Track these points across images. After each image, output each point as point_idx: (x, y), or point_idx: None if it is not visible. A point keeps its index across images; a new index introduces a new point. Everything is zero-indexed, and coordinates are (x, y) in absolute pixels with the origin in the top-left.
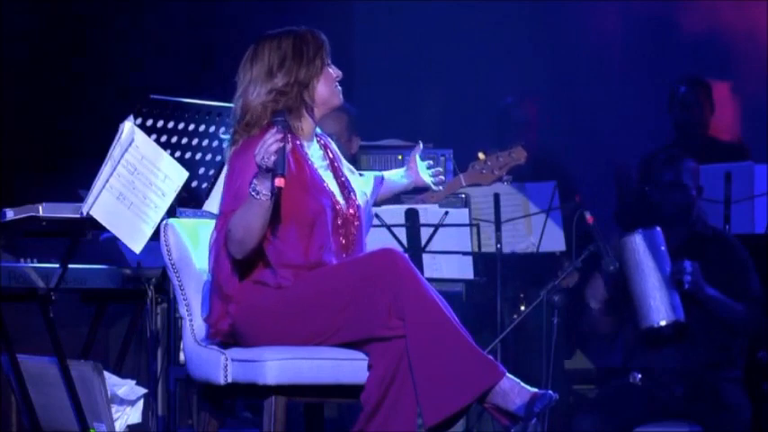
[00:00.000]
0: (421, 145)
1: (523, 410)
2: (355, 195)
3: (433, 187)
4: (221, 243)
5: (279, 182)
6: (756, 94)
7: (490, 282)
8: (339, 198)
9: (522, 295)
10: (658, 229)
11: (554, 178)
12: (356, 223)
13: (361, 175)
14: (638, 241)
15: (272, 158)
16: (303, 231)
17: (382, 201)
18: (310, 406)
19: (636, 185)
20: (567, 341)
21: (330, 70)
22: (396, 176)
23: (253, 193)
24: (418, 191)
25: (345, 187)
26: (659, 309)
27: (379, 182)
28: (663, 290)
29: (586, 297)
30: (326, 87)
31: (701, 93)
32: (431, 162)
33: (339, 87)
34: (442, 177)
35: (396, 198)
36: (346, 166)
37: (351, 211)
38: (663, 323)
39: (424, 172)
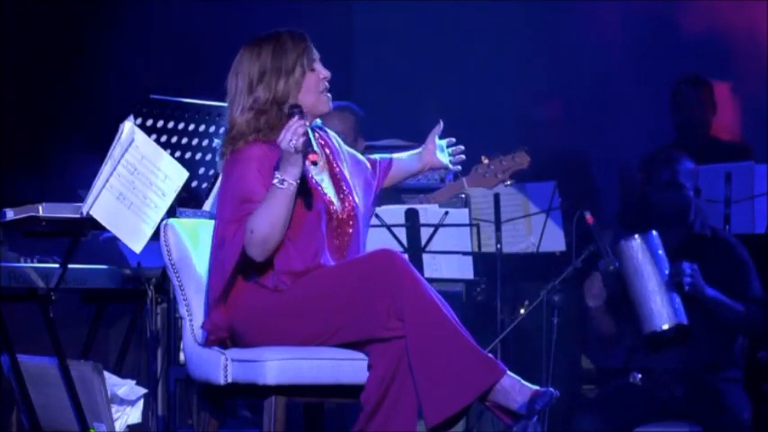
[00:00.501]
0: (441, 124)
1: (525, 408)
2: (352, 195)
3: (450, 167)
4: (236, 247)
5: (313, 157)
6: (756, 94)
7: (490, 282)
8: (334, 199)
9: (517, 295)
10: (654, 232)
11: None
12: (351, 223)
13: (372, 159)
14: (635, 246)
15: (302, 140)
16: (300, 237)
17: (393, 184)
18: (310, 406)
19: (638, 186)
20: (575, 342)
21: (311, 76)
22: (408, 159)
23: (277, 183)
24: (422, 190)
25: (342, 188)
26: (661, 313)
27: (386, 166)
28: (663, 293)
29: (585, 295)
30: (310, 95)
31: (702, 92)
32: (452, 140)
33: (327, 93)
34: (463, 156)
35: (397, 198)
36: (347, 156)
37: (345, 214)
38: (665, 327)
39: (442, 152)
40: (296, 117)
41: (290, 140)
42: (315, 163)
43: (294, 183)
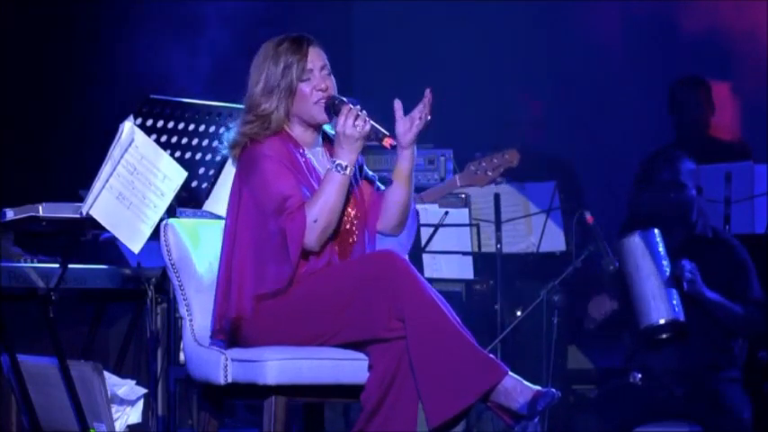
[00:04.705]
0: (428, 93)
1: (526, 409)
2: (357, 205)
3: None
4: (298, 240)
5: (389, 140)
6: (756, 94)
7: (490, 281)
8: None
9: (517, 295)
10: (656, 230)
11: (558, 177)
12: (356, 232)
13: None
14: (636, 242)
15: (368, 125)
16: None
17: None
18: (310, 406)
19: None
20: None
21: (304, 86)
22: (394, 176)
23: (335, 170)
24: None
25: (347, 198)
26: (659, 308)
27: (377, 200)
28: (662, 290)
29: (588, 314)
30: (303, 106)
31: (699, 93)
32: (426, 98)
33: (320, 103)
34: (427, 118)
35: None
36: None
37: (348, 224)
38: (662, 322)
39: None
40: (348, 106)
41: (356, 125)
42: (393, 146)
43: (353, 168)
